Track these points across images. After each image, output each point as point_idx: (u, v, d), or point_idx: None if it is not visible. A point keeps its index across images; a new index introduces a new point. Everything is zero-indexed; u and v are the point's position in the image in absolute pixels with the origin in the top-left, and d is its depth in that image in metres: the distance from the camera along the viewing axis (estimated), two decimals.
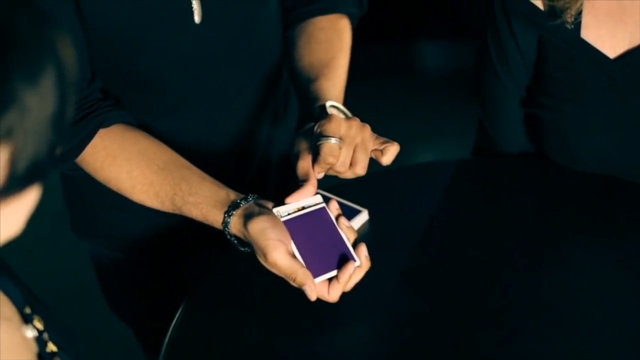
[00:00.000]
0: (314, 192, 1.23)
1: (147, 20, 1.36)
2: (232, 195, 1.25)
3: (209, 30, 1.40)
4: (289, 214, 1.22)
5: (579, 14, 1.47)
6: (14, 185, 0.74)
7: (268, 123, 1.58)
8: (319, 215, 1.23)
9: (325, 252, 1.20)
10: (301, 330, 1.27)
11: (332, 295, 1.18)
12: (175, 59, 1.41)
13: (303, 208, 1.23)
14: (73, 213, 1.65)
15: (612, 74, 1.48)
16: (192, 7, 1.37)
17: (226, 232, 1.23)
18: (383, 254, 1.32)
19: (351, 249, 1.20)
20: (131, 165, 1.34)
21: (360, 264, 1.18)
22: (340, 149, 1.21)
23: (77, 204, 1.63)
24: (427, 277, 1.30)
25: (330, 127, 1.21)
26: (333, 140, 1.20)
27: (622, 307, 1.25)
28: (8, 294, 0.93)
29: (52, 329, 0.97)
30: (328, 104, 1.31)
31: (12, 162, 0.72)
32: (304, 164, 1.24)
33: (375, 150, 1.24)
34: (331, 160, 1.20)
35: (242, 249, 1.24)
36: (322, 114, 1.30)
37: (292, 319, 1.28)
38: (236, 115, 1.52)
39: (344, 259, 1.18)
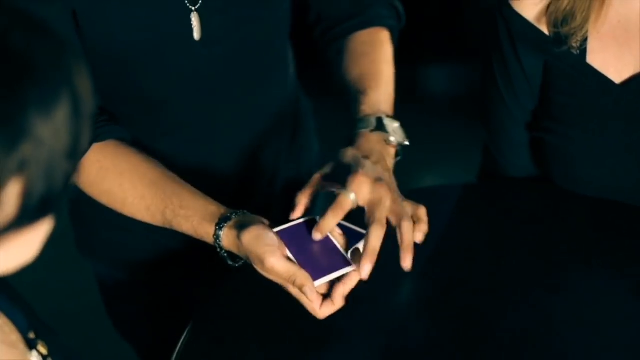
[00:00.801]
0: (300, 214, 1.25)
1: (146, 36, 1.36)
2: (223, 209, 1.26)
3: (208, 47, 1.39)
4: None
5: (585, 40, 1.47)
6: (27, 217, 0.73)
7: (274, 148, 1.57)
8: (310, 224, 1.23)
9: (320, 258, 1.20)
10: (308, 353, 1.26)
11: (337, 300, 1.18)
12: (174, 77, 1.41)
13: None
14: (78, 232, 1.65)
15: (618, 99, 1.48)
16: (191, 24, 1.37)
17: (217, 245, 1.24)
18: (388, 278, 1.31)
19: (345, 253, 1.20)
20: (123, 179, 1.35)
21: (356, 268, 1.18)
22: (354, 206, 1.20)
23: (82, 223, 1.63)
24: (433, 302, 1.30)
25: (353, 186, 1.21)
26: (351, 197, 1.20)
27: (631, 335, 1.24)
28: (12, 319, 0.93)
29: (56, 354, 0.97)
30: (364, 130, 1.31)
31: (26, 194, 0.72)
32: (308, 189, 1.25)
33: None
34: (340, 213, 1.20)
35: (231, 264, 1.25)
36: (354, 139, 1.30)
37: (298, 341, 1.26)
38: (239, 137, 1.51)
39: (339, 262, 1.19)
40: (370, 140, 1.31)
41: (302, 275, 1.17)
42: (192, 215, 1.28)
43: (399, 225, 1.21)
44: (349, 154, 1.28)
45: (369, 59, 1.47)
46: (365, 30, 1.51)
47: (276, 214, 1.45)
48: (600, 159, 1.50)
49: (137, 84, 1.41)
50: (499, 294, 1.30)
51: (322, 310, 1.19)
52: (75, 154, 0.75)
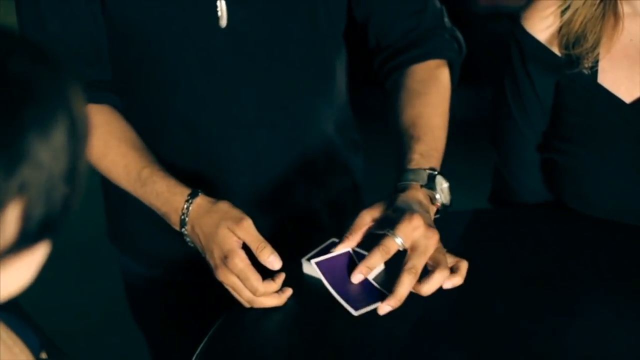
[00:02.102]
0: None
1: (170, 14, 1.37)
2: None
3: (232, 37, 1.39)
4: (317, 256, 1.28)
5: (596, 60, 1.47)
6: (27, 240, 0.74)
7: (297, 168, 1.53)
8: (345, 257, 1.28)
9: (357, 290, 1.25)
10: None
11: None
12: (192, 62, 1.41)
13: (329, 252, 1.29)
14: (109, 223, 1.64)
15: (628, 119, 1.48)
16: (217, 10, 1.37)
17: (188, 203, 1.29)
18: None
19: (378, 286, 1.25)
20: (110, 137, 1.39)
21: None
22: (399, 249, 1.23)
23: (113, 214, 1.63)
24: (444, 328, 1.28)
25: (405, 230, 1.23)
26: (398, 240, 1.23)
27: None
28: (24, 339, 0.92)
29: None
30: (415, 183, 1.32)
31: (25, 217, 0.72)
32: (358, 228, 1.29)
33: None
34: (385, 255, 1.23)
35: (185, 235, 1.31)
36: (405, 189, 1.32)
37: (311, 353, 1.26)
38: (252, 149, 1.48)
39: (377, 295, 1.24)
40: (419, 193, 1.32)
41: (269, 249, 1.24)
42: (170, 177, 1.33)
43: (432, 271, 1.24)
44: (402, 199, 1.29)
45: (423, 101, 1.45)
46: (423, 64, 1.49)
47: (289, 243, 1.40)
48: (611, 180, 1.49)
49: (154, 63, 1.42)
50: (512, 321, 1.28)
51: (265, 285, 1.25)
52: (73, 177, 0.76)
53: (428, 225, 1.24)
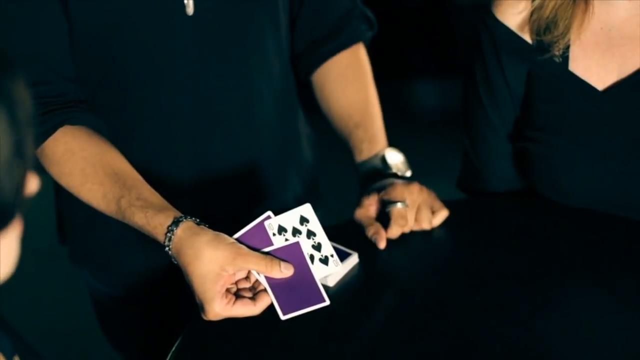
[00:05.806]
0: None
1: (136, 10, 1.36)
2: (179, 213, 1.27)
3: (199, 28, 1.39)
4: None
5: (567, 47, 1.48)
6: None
7: (272, 161, 1.55)
8: (293, 249, 1.25)
9: (296, 289, 1.23)
10: None
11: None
12: (160, 55, 1.40)
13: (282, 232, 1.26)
14: (71, 242, 1.62)
15: (601, 106, 1.48)
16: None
17: (170, 231, 1.23)
18: (372, 297, 1.31)
19: (321, 288, 1.23)
20: (86, 164, 1.35)
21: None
22: (406, 211, 1.39)
23: (75, 233, 1.61)
24: (417, 321, 1.28)
25: (396, 194, 1.39)
26: (399, 205, 1.39)
27: (621, 347, 1.22)
28: None
29: None
30: (389, 160, 1.49)
31: None
32: (364, 211, 1.42)
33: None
34: (401, 222, 1.38)
35: (175, 262, 1.25)
36: (384, 167, 1.48)
37: (283, 345, 1.26)
38: (230, 135, 1.49)
39: (314, 297, 1.22)
40: (381, 177, 1.47)
41: (275, 261, 1.22)
42: (147, 207, 1.28)
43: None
44: (377, 185, 1.44)
45: (355, 86, 1.55)
46: (346, 51, 1.55)
47: None
48: (584, 167, 1.49)
49: (120, 62, 1.40)
50: (487, 313, 1.28)
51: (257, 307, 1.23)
52: (20, 161, 0.75)
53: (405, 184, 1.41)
